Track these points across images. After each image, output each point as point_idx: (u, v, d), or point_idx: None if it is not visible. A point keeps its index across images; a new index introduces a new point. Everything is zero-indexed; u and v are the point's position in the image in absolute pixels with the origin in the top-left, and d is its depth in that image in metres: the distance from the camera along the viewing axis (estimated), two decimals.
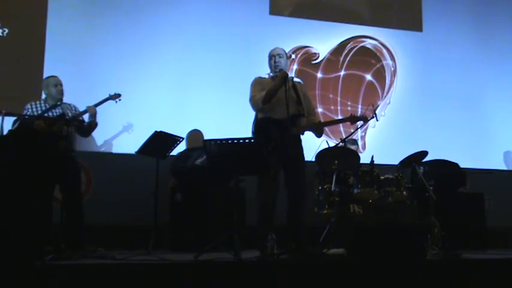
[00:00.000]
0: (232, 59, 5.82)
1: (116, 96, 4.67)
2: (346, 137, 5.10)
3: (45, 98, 4.51)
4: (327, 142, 4.88)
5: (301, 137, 4.33)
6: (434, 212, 4.49)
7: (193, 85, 5.68)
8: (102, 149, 5.47)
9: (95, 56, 5.51)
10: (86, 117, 4.51)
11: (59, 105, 4.42)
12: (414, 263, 3.58)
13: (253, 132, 4.27)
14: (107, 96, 4.61)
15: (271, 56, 4.34)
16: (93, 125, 4.49)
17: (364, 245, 3.65)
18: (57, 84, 4.47)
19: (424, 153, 4.84)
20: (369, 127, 6.02)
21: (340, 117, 6.13)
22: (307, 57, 6.22)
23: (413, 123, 6.32)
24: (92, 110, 4.42)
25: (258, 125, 4.27)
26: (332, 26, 6.33)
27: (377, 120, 4.76)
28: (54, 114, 4.35)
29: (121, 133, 5.49)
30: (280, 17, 6.17)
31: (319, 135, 4.41)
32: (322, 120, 5.77)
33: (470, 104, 6.57)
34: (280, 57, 4.30)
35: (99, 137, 5.34)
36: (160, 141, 4.74)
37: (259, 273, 3.28)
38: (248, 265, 3.37)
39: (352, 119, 4.40)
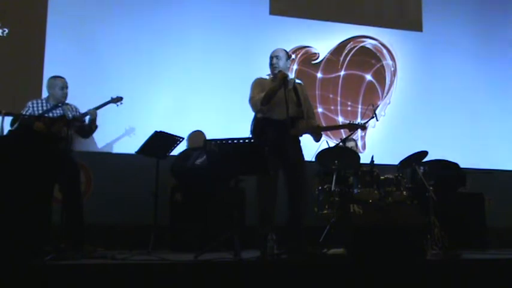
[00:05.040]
0: (232, 59, 5.81)
1: (117, 100, 4.65)
2: (346, 137, 5.10)
3: (47, 97, 4.47)
4: (327, 142, 4.89)
5: (301, 137, 4.33)
6: (434, 212, 4.49)
7: (193, 85, 5.68)
8: (102, 149, 5.47)
9: (95, 57, 5.50)
10: (86, 119, 4.49)
11: (60, 106, 4.40)
12: (414, 263, 3.58)
13: (252, 132, 4.28)
14: (109, 99, 4.60)
15: (270, 58, 4.36)
16: (93, 128, 4.48)
17: (364, 245, 3.65)
18: (64, 87, 4.43)
19: (424, 153, 4.83)
20: (369, 127, 6.01)
21: (340, 117, 6.15)
22: (307, 57, 6.22)
23: (413, 123, 6.32)
24: (93, 114, 4.40)
25: (256, 125, 4.27)
26: (332, 26, 6.33)
27: (377, 120, 4.78)
28: (55, 115, 4.34)
29: (121, 133, 5.48)
30: (280, 17, 6.16)
31: (317, 139, 4.42)
32: (322, 123, 5.84)
33: (471, 104, 6.56)
34: (277, 59, 4.30)
35: (99, 136, 5.33)
36: (160, 141, 4.74)
37: (259, 273, 3.27)
38: (248, 265, 3.36)
39: (351, 126, 4.42)
